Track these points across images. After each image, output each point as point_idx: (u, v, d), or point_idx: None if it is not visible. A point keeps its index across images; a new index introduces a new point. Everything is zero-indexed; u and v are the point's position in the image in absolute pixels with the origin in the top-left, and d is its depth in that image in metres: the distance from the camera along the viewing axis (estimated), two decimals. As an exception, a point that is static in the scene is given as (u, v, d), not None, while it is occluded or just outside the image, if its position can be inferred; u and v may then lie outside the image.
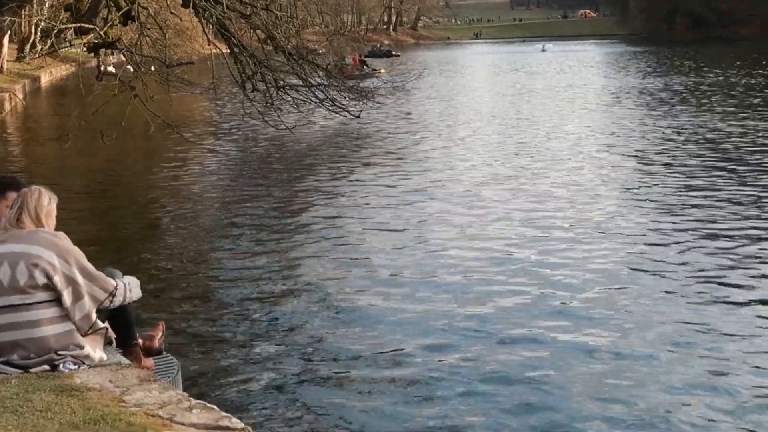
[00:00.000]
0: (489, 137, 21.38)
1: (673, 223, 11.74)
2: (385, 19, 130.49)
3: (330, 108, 24.19)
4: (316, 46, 30.34)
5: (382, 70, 51.02)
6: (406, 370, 7.00)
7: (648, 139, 20.01)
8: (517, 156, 17.94)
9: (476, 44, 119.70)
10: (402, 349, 7.41)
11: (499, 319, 8.11)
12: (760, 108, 26.20)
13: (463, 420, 6.07)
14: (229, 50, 21.17)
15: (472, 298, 8.69)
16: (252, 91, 22.07)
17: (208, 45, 20.60)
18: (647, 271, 9.48)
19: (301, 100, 23.56)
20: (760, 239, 10.76)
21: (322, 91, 23.73)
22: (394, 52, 79.94)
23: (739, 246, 10.45)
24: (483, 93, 36.69)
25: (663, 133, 20.93)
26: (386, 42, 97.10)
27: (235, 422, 3.94)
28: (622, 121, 24.08)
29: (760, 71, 42.52)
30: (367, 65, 50.99)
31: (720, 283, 9.06)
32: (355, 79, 38.52)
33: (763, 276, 9.21)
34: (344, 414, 6.23)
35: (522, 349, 7.33)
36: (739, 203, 12.80)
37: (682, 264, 9.76)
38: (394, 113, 27.94)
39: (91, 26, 18.55)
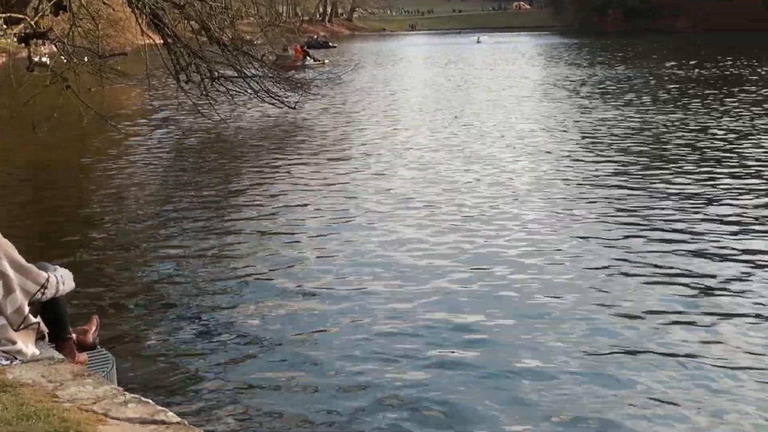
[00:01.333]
0: (424, 129, 21.44)
1: (605, 216, 11.87)
2: (321, 10, 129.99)
3: (266, 99, 24.10)
4: (252, 38, 30.18)
5: (326, 61, 51.03)
6: (335, 365, 7.02)
7: (575, 131, 20.23)
8: (452, 149, 17.96)
9: (412, 36, 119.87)
10: (336, 347, 7.43)
11: (442, 312, 8.16)
12: (684, 100, 26.63)
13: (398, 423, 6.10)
14: (162, 41, 20.96)
15: (410, 296, 8.70)
16: (186, 82, 21.90)
17: (142, 36, 20.34)
18: (575, 270, 9.50)
19: (236, 91, 23.45)
20: (692, 232, 10.94)
21: (258, 83, 23.62)
22: (330, 44, 79.75)
23: (669, 241, 10.58)
24: (418, 84, 36.77)
25: (590, 124, 21.19)
26: (322, 33, 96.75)
27: (171, 416, 3.93)
28: (552, 112, 24.37)
29: (691, 64, 43.21)
30: (310, 55, 50.91)
31: (650, 277, 9.19)
32: (298, 70, 38.46)
33: (697, 272, 9.36)
34: (280, 409, 6.22)
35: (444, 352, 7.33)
36: (668, 197, 12.97)
37: (612, 255, 9.93)
38: (329, 105, 27.91)
39: (21, 16, 18.20)
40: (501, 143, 18.54)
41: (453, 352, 7.16)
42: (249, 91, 23.61)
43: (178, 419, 3.91)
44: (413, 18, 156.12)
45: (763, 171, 14.56)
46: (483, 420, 5.98)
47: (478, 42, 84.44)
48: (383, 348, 7.27)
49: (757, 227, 10.96)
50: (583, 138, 19.03)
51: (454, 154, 17.30)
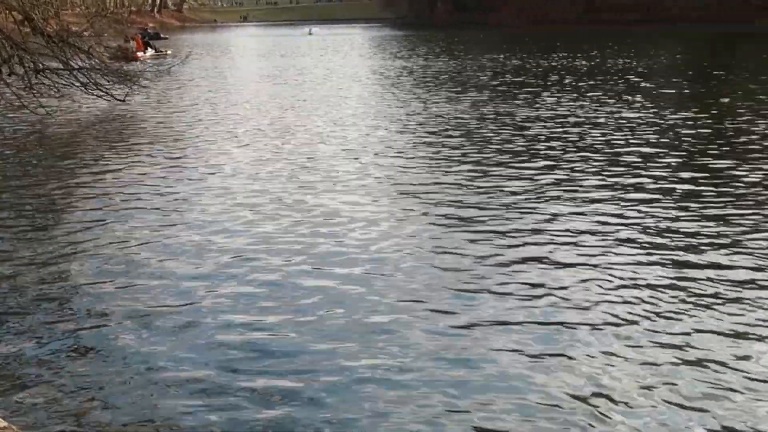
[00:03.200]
0: (255, 121, 21.43)
1: (444, 215, 12.14)
2: (150, 0, 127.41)
3: (93, 92, 23.62)
4: (78, 29, 29.45)
5: (168, 51, 50.27)
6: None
7: (402, 122, 20.63)
8: (284, 141, 18.02)
9: (244, 27, 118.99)
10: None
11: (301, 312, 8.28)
12: (501, 89, 27.47)
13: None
14: (-18, 32, 20.27)
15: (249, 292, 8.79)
16: (9, 75, 21.24)
17: (-41, 27, 19.63)
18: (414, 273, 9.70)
19: (62, 84, 22.89)
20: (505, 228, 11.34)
21: (85, 75, 23.13)
22: (162, 35, 78.39)
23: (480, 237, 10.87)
24: (249, 76, 36.64)
25: (418, 116, 21.66)
26: (151, 24, 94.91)
27: (-1, 420, 3.90)
28: (379, 104, 24.76)
29: (515, 56, 44.54)
30: (151, 46, 50.03)
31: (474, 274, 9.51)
32: (140, 62, 37.78)
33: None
34: (109, 409, 6.23)
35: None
36: (481, 190, 13.34)
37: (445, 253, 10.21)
38: (159, 97, 27.52)
39: None
40: (330, 135, 18.71)
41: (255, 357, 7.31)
42: (76, 84, 23.10)
43: (5, 423, 3.89)
44: (245, 9, 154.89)
45: (589, 162, 15.24)
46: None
47: (310, 34, 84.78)
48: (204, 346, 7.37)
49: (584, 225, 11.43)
50: (406, 128, 19.46)
51: (285, 147, 17.37)
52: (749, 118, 19.81)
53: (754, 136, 17.15)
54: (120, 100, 23.90)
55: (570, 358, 6.83)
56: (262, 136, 18.86)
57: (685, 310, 7.81)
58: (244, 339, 7.34)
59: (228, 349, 7.13)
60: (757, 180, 13.18)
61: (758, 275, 8.71)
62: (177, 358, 6.98)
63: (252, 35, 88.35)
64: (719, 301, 8.03)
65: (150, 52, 48.40)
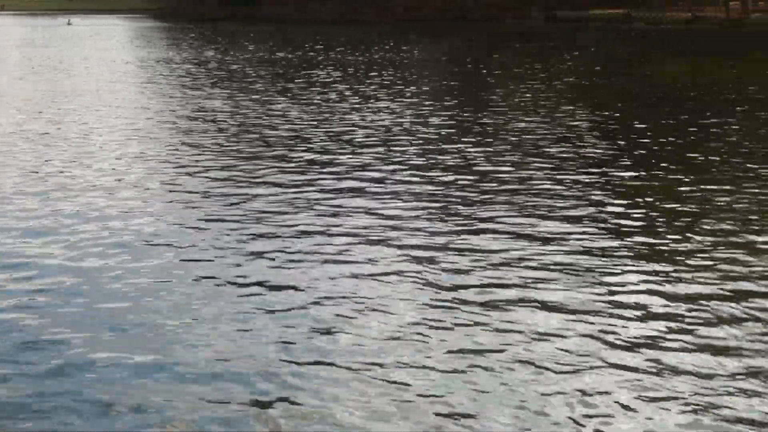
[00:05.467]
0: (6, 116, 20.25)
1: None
2: None
3: None
4: None
5: None
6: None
7: (166, 115, 20.23)
8: (46, 143, 16.75)
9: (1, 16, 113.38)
10: None
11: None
12: (255, 86, 27.43)
13: None
14: None
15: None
16: None
17: None
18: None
19: None
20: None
21: None
22: None
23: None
24: (3, 69, 34.74)
25: (178, 109, 21.37)
26: None
27: None
28: (137, 97, 24.18)
29: (295, 49, 44.68)
30: None
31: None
32: None
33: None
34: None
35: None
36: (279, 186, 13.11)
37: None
38: None
39: None
40: (91, 131, 17.83)
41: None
42: None
43: None
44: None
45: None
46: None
47: (69, 24, 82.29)
48: None
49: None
50: (168, 123, 19.03)
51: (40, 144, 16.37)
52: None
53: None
54: None
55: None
56: (18, 134, 17.78)
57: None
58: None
59: None
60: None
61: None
62: None
63: (8, 25, 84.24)
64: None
65: None
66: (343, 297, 7.86)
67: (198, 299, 7.84)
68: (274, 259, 9.04)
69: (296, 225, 10.36)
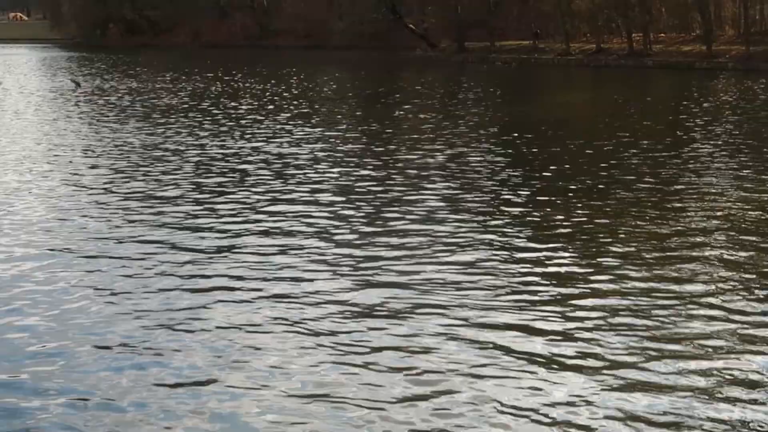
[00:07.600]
0: None
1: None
2: None
3: None
4: None
5: None
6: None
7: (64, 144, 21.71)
8: None
9: None
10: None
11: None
12: (140, 115, 28.79)
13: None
14: None
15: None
16: None
17: None
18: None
19: None
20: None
21: None
22: None
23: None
24: None
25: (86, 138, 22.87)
26: None
27: None
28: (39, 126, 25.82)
29: (194, 78, 46.13)
30: None
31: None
32: None
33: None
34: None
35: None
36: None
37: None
38: None
39: None
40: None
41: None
42: None
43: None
44: None
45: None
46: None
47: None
48: None
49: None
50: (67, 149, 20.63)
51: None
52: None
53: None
54: None
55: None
56: None
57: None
58: None
59: None
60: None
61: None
62: None
63: None
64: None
65: None
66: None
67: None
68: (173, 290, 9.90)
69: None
